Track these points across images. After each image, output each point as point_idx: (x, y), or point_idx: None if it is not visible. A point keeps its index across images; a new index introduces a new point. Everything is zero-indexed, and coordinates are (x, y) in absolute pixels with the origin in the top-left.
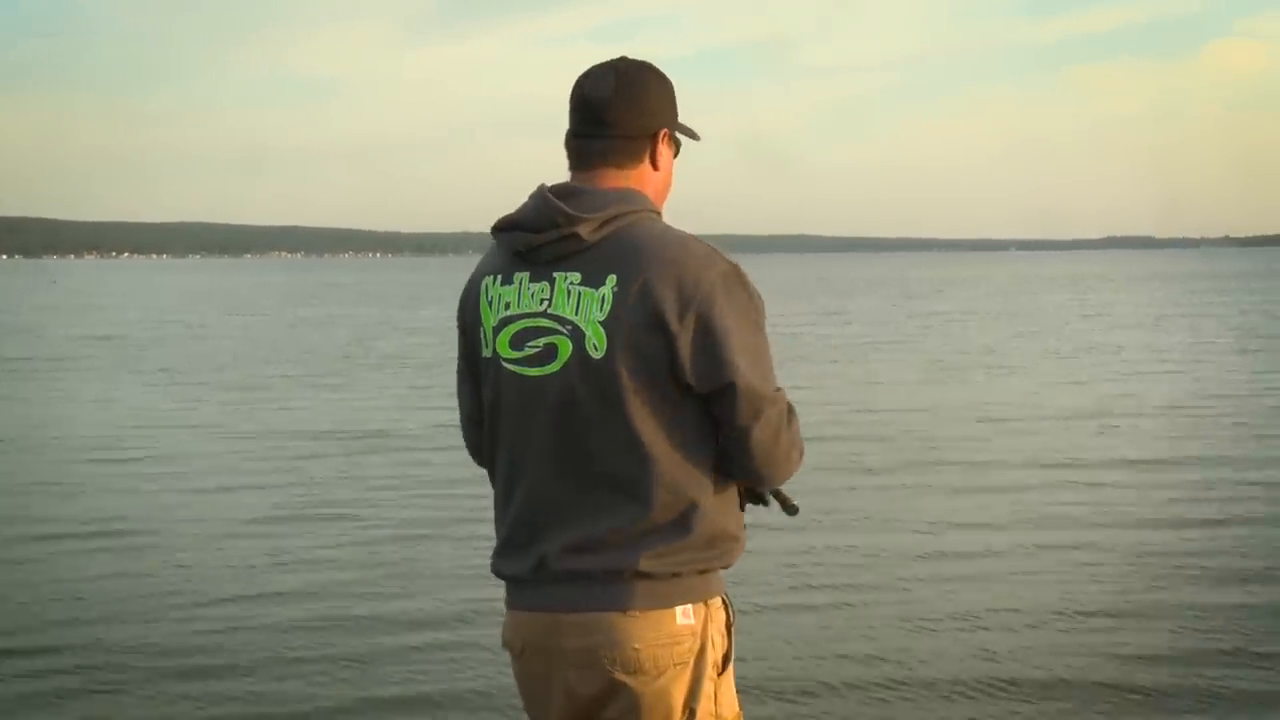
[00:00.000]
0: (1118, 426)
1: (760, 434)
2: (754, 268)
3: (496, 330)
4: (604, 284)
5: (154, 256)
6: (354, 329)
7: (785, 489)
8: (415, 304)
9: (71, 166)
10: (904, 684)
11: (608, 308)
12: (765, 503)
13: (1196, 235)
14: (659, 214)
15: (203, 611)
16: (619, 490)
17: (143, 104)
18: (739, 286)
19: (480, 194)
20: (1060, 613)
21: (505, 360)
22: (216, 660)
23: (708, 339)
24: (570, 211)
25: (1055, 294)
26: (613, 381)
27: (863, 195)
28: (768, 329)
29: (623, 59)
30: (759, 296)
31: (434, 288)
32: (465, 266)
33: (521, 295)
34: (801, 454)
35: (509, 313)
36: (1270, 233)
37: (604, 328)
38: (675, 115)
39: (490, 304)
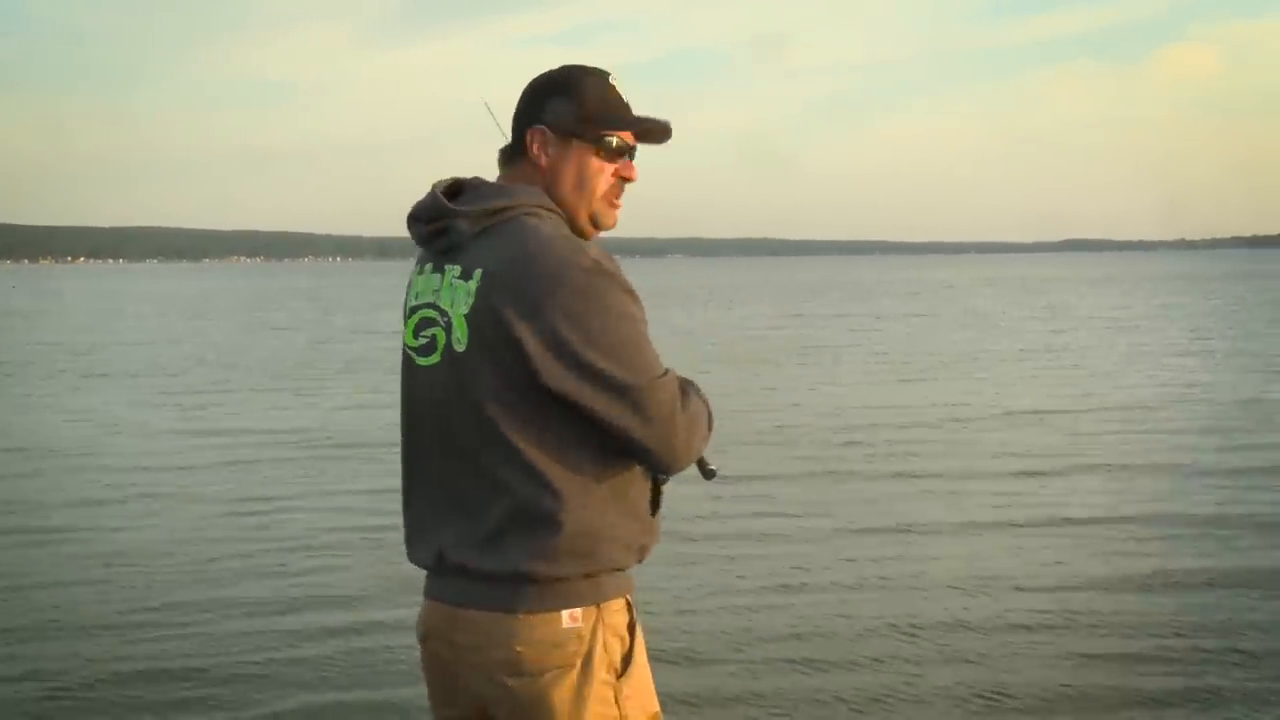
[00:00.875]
0: (1063, 424)
1: (648, 427)
2: (714, 272)
3: (407, 317)
4: (472, 278)
5: (110, 261)
6: (313, 334)
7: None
8: (375, 309)
9: (24, 170)
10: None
11: (471, 302)
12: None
13: (1153, 238)
14: (553, 211)
15: (140, 615)
16: (496, 489)
17: (98, 108)
18: (600, 281)
19: None
20: (1015, 586)
21: (409, 347)
22: (136, 652)
23: (562, 342)
24: (449, 205)
25: (1012, 296)
26: (472, 377)
27: (824, 199)
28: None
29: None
30: (627, 288)
31: (397, 292)
32: None
33: (425, 284)
34: (706, 432)
35: (415, 301)
36: (1226, 235)
37: (467, 322)
38: (548, 112)
39: (409, 291)
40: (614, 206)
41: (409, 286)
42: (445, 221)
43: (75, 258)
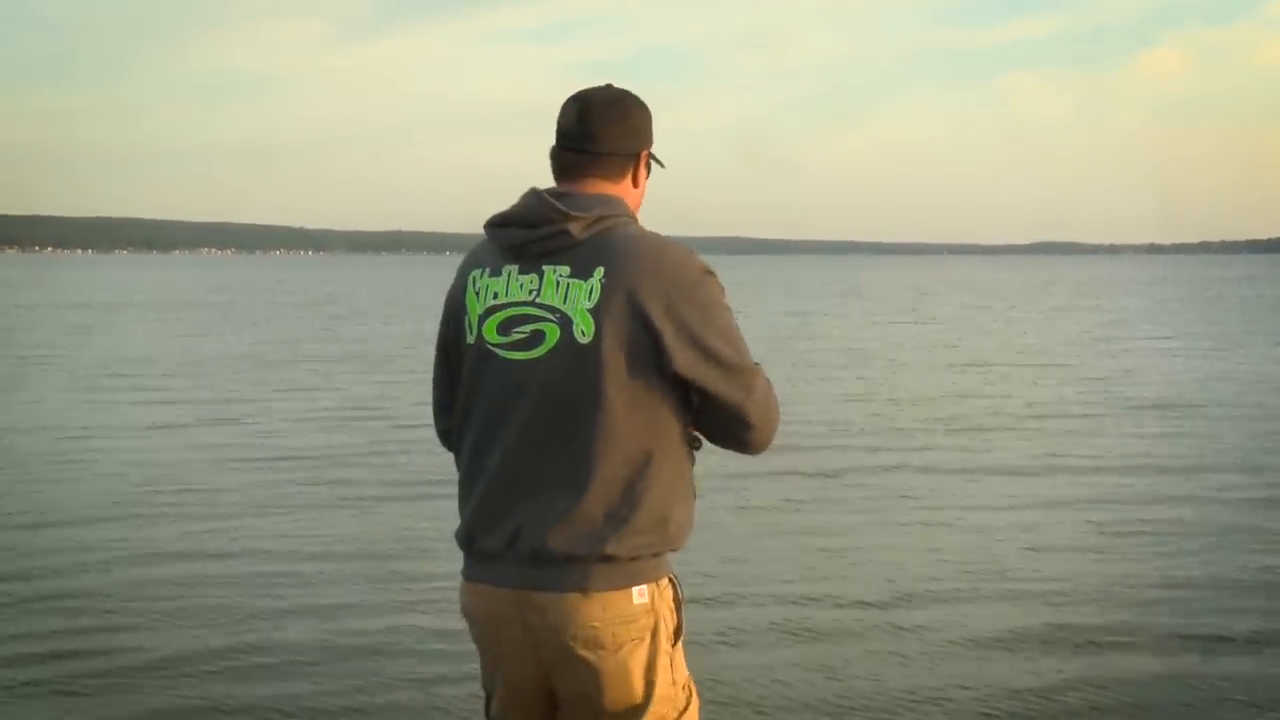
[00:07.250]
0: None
1: (754, 406)
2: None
3: (483, 318)
4: (592, 275)
5: (79, 251)
6: (275, 328)
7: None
8: (350, 303)
9: None
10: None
11: (596, 297)
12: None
13: (1122, 242)
14: (637, 221)
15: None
16: (589, 473)
17: (69, 97)
18: (712, 281)
19: (414, 194)
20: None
21: (491, 344)
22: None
23: (693, 332)
24: (564, 209)
25: (969, 298)
26: (596, 366)
27: (797, 199)
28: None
29: (609, 86)
30: (724, 289)
31: (372, 286)
32: (399, 265)
33: (510, 286)
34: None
35: (496, 301)
36: (1194, 240)
37: (592, 315)
38: (652, 139)
39: (478, 294)
40: None
41: (470, 289)
42: (557, 225)
43: (43, 248)
